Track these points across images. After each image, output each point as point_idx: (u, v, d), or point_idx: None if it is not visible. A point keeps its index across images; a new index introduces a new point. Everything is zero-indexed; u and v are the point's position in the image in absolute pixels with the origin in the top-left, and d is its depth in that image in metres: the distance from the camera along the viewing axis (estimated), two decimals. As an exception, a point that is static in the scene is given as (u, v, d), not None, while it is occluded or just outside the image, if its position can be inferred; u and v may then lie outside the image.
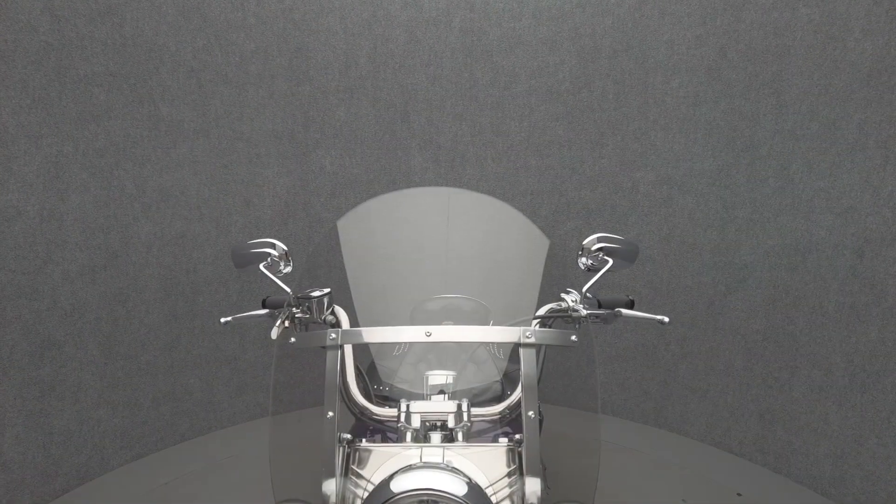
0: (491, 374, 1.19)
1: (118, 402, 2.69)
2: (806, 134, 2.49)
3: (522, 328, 1.00)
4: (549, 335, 1.01)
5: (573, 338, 1.04)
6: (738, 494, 2.56)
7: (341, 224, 1.40)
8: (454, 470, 0.82)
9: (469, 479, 0.81)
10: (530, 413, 0.96)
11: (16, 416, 2.31)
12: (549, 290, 1.20)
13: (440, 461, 0.87)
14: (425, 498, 0.80)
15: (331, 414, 0.97)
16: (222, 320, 1.38)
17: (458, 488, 0.79)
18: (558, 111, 3.13)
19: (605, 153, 3.09)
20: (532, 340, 0.99)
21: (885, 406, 2.28)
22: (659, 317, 1.20)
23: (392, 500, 0.80)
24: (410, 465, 0.83)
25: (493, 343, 1.26)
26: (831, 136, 2.41)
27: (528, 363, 0.98)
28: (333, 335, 1.01)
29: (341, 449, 0.99)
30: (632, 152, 3.03)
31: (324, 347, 1.01)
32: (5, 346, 2.26)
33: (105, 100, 2.53)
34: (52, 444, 2.45)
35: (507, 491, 0.93)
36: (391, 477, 0.81)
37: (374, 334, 1.00)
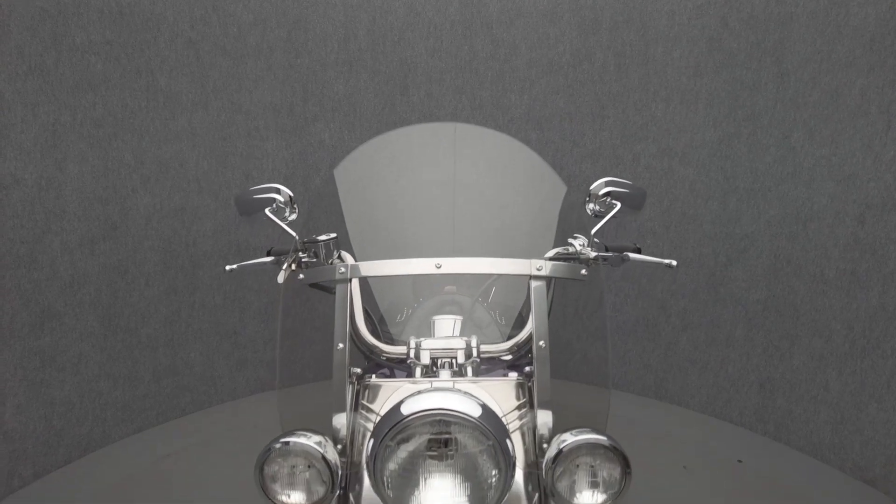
0: (493, 337, 1.18)
1: (119, 375, 2.69)
2: (808, 102, 2.49)
3: (532, 260, 1.00)
4: (559, 268, 1.01)
5: (583, 272, 1.04)
6: (739, 461, 2.57)
7: (338, 172, 1.38)
8: (467, 394, 0.82)
9: (483, 402, 0.81)
10: (541, 343, 0.96)
11: (17, 386, 2.30)
12: (562, 239, 1.19)
13: (451, 387, 0.86)
14: (438, 418, 0.79)
15: (340, 346, 0.97)
16: (227, 268, 1.37)
17: (472, 410, 0.79)
18: (559, 84, 3.12)
19: (605, 126, 3.08)
20: (542, 273, 0.99)
21: (885, 371, 2.30)
22: (667, 261, 1.20)
23: (403, 422, 0.79)
24: (420, 390, 0.82)
25: (496, 310, 1.25)
26: (833, 104, 2.40)
27: (538, 295, 0.98)
28: (343, 269, 1.01)
29: (351, 384, 0.99)
30: (633, 124, 3.02)
31: (333, 282, 1.00)
32: (5, 315, 2.25)
33: (102, 69, 2.50)
34: (54, 415, 2.45)
35: (517, 423, 0.93)
36: (401, 402, 0.81)
37: (383, 267, 1.00)
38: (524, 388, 1.04)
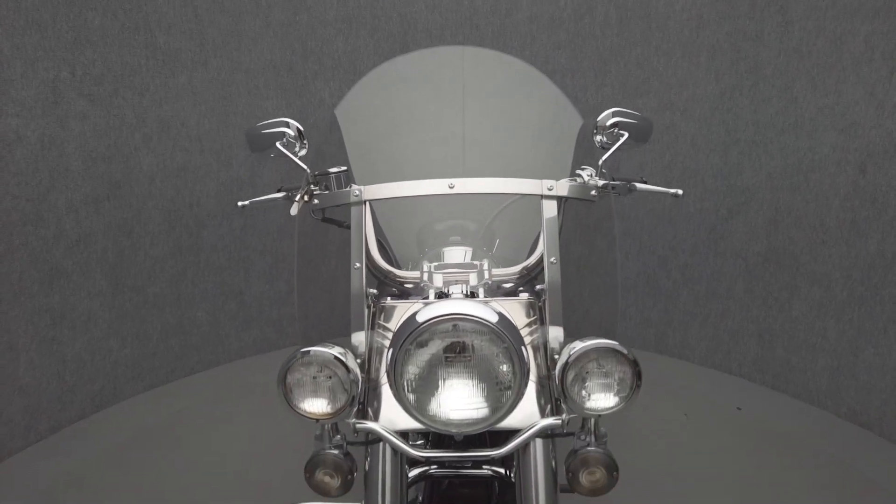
0: (503, 265, 1.19)
1: (128, 333, 2.72)
2: (811, 51, 2.47)
3: (543, 181, 1.02)
4: (571, 188, 1.03)
5: (593, 193, 1.07)
6: (738, 409, 2.64)
7: (340, 111, 1.38)
8: (482, 302, 0.84)
9: (498, 310, 0.83)
10: (552, 260, 0.98)
11: (29, 343, 2.34)
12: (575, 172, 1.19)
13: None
14: (455, 322, 0.81)
15: (357, 265, 0.99)
16: (239, 204, 1.38)
17: (489, 315, 0.82)
18: (560, 39, 3.09)
19: (607, 81, 3.06)
20: (553, 193, 1.01)
21: (882, 317, 2.34)
22: (672, 190, 1.21)
23: (422, 326, 0.81)
24: (433, 301, 0.84)
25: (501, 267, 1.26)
26: (837, 52, 2.39)
27: (549, 214, 1.00)
28: (357, 192, 1.02)
29: (368, 307, 1.02)
30: (634, 79, 3.00)
31: (348, 205, 1.02)
32: (14, 271, 2.27)
33: (100, 24, 2.47)
34: (67, 372, 2.49)
35: (528, 339, 0.95)
36: (418, 311, 0.83)
37: (397, 189, 1.01)
38: (535, 308, 1.07)
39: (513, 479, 1.05)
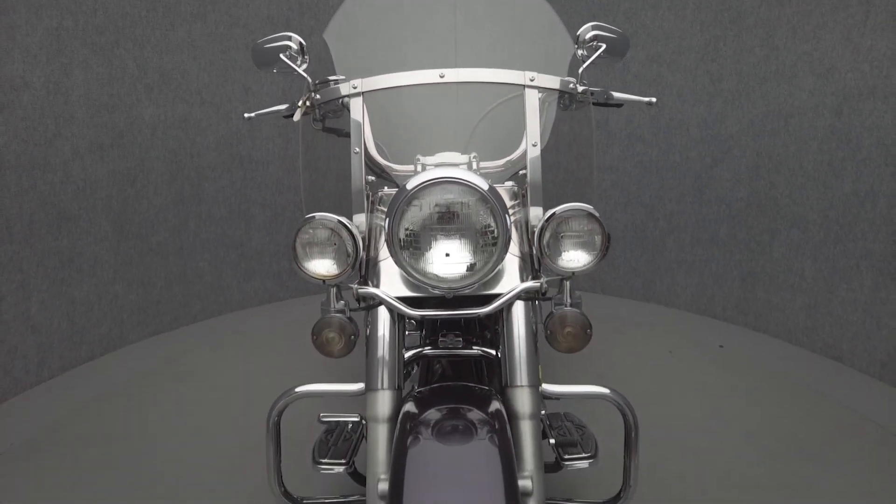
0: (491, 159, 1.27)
1: (133, 279, 2.82)
2: (792, -1, 2.56)
3: (526, 72, 1.11)
4: (553, 80, 1.13)
5: (571, 86, 1.16)
6: (720, 346, 2.76)
7: (329, 35, 1.46)
8: (472, 172, 0.94)
9: (485, 179, 0.93)
10: (533, 144, 1.08)
11: (40, 283, 2.43)
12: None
13: None
14: (445, 182, 0.90)
15: (357, 150, 1.09)
16: (246, 115, 1.47)
17: (476, 180, 0.91)
18: (551, -6, 3.16)
19: (596, 35, 3.14)
20: (536, 83, 1.10)
21: (855, 254, 2.45)
22: (647, 98, 1.31)
23: (416, 187, 0.90)
24: (422, 172, 0.93)
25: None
26: (816, -1, 2.48)
27: (532, 103, 1.10)
28: (355, 84, 1.12)
29: (367, 194, 1.12)
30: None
31: (348, 97, 1.11)
32: (24, 214, 2.35)
33: (100, -25, 2.53)
34: (76, 314, 2.58)
35: (512, 219, 1.05)
36: (411, 178, 0.92)
37: (392, 79, 1.10)
38: (518, 194, 1.18)
39: (499, 358, 1.16)
